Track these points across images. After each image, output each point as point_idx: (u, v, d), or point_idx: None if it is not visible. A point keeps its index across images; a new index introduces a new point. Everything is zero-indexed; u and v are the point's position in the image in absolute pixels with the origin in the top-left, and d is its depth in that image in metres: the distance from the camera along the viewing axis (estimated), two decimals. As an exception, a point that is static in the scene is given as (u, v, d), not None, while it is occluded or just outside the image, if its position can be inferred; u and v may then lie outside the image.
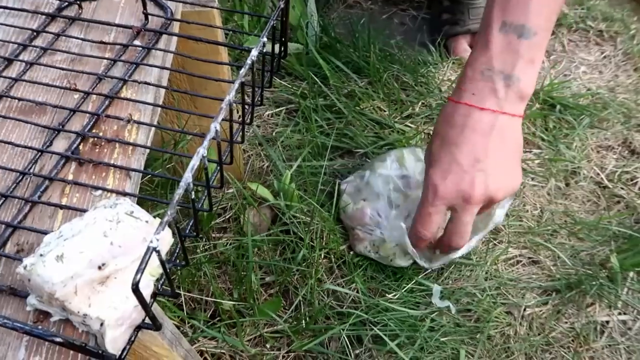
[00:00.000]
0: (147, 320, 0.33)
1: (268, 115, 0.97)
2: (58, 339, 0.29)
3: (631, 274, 0.77)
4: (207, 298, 0.72)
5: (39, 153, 0.44)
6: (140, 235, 0.36)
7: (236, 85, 0.37)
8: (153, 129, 0.47)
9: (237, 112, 0.50)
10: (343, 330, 0.67)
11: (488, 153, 0.61)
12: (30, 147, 0.44)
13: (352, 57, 1.02)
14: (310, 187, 0.82)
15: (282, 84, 0.99)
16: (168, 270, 0.36)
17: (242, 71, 0.38)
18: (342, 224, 0.80)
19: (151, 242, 0.29)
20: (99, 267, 0.33)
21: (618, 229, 0.82)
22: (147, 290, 0.35)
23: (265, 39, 0.40)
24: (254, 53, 0.39)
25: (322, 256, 0.76)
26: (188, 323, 0.70)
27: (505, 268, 0.77)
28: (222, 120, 0.35)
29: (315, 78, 0.94)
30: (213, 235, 0.79)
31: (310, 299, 0.71)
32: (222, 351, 0.69)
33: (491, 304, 0.72)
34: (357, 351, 0.68)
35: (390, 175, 0.76)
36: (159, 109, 0.50)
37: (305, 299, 0.71)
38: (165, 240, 0.37)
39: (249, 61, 0.38)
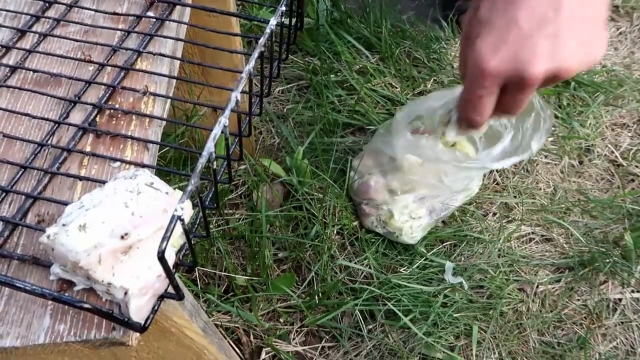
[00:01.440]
0: (170, 290, 0.33)
1: (279, 92, 0.96)
2: (86, 305, 0.29)
3: (645, 251, 0.77)
4: (220, 273, 0.72)
5: (56, 125, 0.44)
6: (161, 206, 0.36)
7: (256, 54, 0.36)
8: (169, 101, 0.47)
9: (254, 84, 0.49)
10: (356, 305, 0.67)
11: (561, 9, 0.47)
12: (47, 119, 0.44)
13: (364, 33, 1.00)
14: (323, 163, 0.81)
15: (292, 59, 0.98)
16: (189, 240, 0.36)
17: (262, 40, 0.37)
18: (353, 201, 0.80)
19: (175, 210, 0.28)
20: (122, 237, 0.33)
21: (632, 207, 0.82)
22: (169, 260, 0.35)
23: (283, 8, 0.39)
24: (273, 22, 0.38)
25: (335, 232, 0.76)
26: (202, 298, 0.71)
27: (518, 245, 0.77)
28: (242, 92, 0.35)
29: (327, 53, 0.93)
30: (226, 211, 0.79)
31: (323, 274, 0.71)
32: (236, 325, 0.69)
33: (504, 280, 0.72)
34: (370, 326, 0.69)
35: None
36: (174, 81, 0.49)
37: (318, 275, 0.71)
38: (186, 211, 0.37)
39: (268, 30, 0.37)
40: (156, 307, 0.34)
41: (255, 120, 0.91)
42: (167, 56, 0.49)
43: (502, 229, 0.78)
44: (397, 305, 0.66)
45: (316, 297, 0.69)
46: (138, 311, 0.32)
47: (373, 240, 0.76)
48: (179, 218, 0.29)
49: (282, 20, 0.40)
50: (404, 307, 0.67)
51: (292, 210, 0.76)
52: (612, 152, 0.91)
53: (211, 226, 0.76)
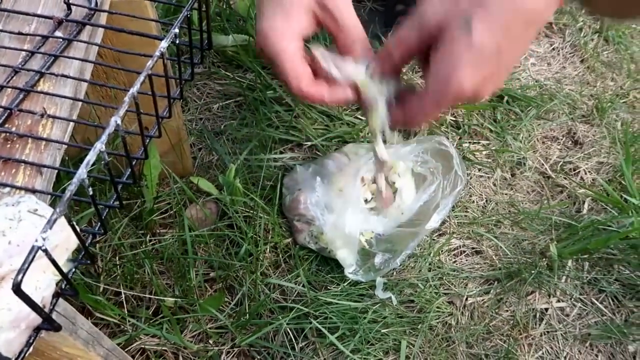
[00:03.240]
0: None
1: (217, 108, 0.96)
2: None
3: (569, 262, 0.79)
4: (149, 296, 0.70)
5: (-55, 149, 0.42)
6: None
7: (141, 77, 0.36)
8: (71, 124, 0.46)
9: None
10: (286, 323, 0.67)
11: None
12: None
13: (303, 49, 1.01)
14: (254, 181, 0.81)
15: (229, 76, 0.98)
16: (70, 269, 0.35)
17: (149, 63, 0.37)
18: (287, 217, 0.80)
19: (36, 241, 0.28)
20: (-8, 268, 0.31)
21: (559, 218, 0.84)
22: (48, 290, 0.34)
23: (177, 30, 0.39)
24: (163, 44, 0.38)
25: (268, 250, 0.76)
26: (129, 321, 0.69)
27: (448, 259, 0.78)
28: (132, 112, 0.35)
29: (261, 71, 0.93)
30: (157, 231, 0.78)
31: (254, 293, 0.70)
32: (164, 348, 0.68)
33: (433, 294, 0.73)
34: (302, 344, 0.68)
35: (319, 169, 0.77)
36: (79, 103, 0.48)
37: (249, 294, 0.71)
38: (71, 238, 0.36)
39: (157, 52, 0.37)
40: (32, 340, 0.32)
41: (193, 138, 0.90)
42: (71, 77, 0.48)
43: (432, 242, 0.79)
44: (324, 323, 0.66)
45: (246, 316, 0.69)
46: (8, 345, 0.31)
47: (307, 256, 0.76)
48: (40, 248, 0.28)
49: (177, 41, 0.40)
50: (332, 324, 0.67)
51: (224, 229, 0.76)
52: (542, 164, 0.94)
53: (142, 245, 0.74)
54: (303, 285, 0.72)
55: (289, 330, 0.68)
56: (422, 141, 0.76)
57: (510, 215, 0.85)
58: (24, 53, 0.50)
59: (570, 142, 0.99)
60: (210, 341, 0.69)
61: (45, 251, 0.28)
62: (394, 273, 0.75)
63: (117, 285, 0.70)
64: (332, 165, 0.79)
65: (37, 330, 0.33)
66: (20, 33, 0.51)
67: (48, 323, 0.30)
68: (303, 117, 0.92)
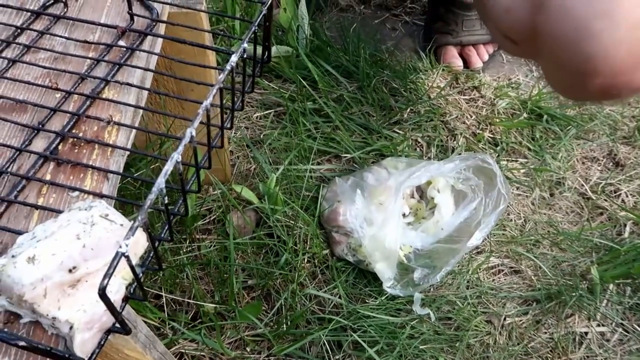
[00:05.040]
0: (118, 325, 0.33)
1: (257, 118, 0.97)
2: (21, 343, 0.29)
3: (611, 286, 0.78)
4: (188, 300, 0.71)
5: (17, 152, 0.44)
6: (114, 239, 0.36)
7: (214, 90, 0.37)
8: (134, 131, 0.47)
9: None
10: (323, 335, 0.67)
11: None
12: (8, 146, 0.44)
13: (342, 61, 1.02)
14: (296, 190, 0.82)
15: (270, 86, 0.99)
16: (140, 275, 0.36)
17: (221, 77, 0.38)
18: (324, 228, 0.80)
19: (120, 247, 0.29)
20: (70, 270, 0.33)
21: (600, 241, 0.83)
22: (118, 294, 0.35)
23: (246, 45, 0.40)
24: (234, 59, 0.39)
25: (305, 260, 0.76)
26: (169, 325, 0.70)
27: (486, 277, 0.77)
28: (202, 123, 0.36)
29: (303, 82, 0.94)
30: (197, 236, 0.79)
31: (292, 303, 0.71)
32: (202, 354, 0.68)
33: (471, 312, 0.72)
34: (337, 357, 0.68)
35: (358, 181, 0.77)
36: (141, 110, 0.49)
37: (286, 303, 0.71)
38: (140, 243, 0.37)
39: (228, 67, 0.38)
40: (102, 342, 0.33)
41: (232, 146, 0.92)
42: (135, 86, 0.50)
43: (471, 260, 0.78)
44: (363, 336, 0.66)
45: (284, 326, 0.69)
46: (82, 346, 0.32)
47: (344, 268, 0.76)
48: (123, 255, 0.29)
49: (245, 56, 0.41)
50: (370, 338, 0.67)
51: (263, 238, 0.76)
52: (582, 185, 0.93)
53: (181, 252, 0.76)
54: (340, 297, 0.72)
55: (325, 342, 0.68)
56: (465, 158, 0.76)
57: (549, 236, 0.84)
58: (89, 61, 0.52)
59: (611, 164, 0.98)
60: (248, 349, 0.69)
61: (127, 257, 0.29)
62: (432, 289, 0.75)
63: (157, 289, 0.71)
64: (372, 178, 0.80)
65: (107, 332, 0.34)
66: (85, 41, 0.53)
67: (121, 326, 0.31)
68: (342, 129, 0.92)
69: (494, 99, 1.05)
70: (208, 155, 0.41)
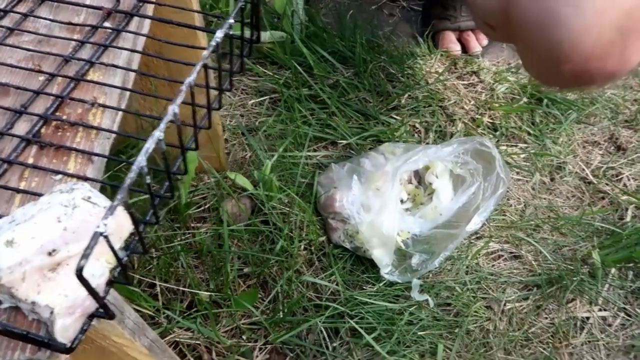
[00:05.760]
0: (101, 309, 0.32)
1: (252, 105, 0.96)
2: (-5, 327, 0.28)
3: (612, 270, 0.76)
4: (183, 289, 0.70)
5: (-1, 135, 0.42)
6: (97, 222, 0.34)
7: (198, 67, 0.35)
8: (120, 113, 0.46)
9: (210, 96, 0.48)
10: (320, 322, 0.66)
11: None
12: (-11, 130, 0.43)
13: (338, 47, 1.00)
14: (291, 177, 0.80)
15: (265, 72, 0.97)
16: (124, 259, 0.35)
17: (205, 53, 0.36)
18: (321, 215, 0.79)
19: (98, 227, 0.27)
20: (49, 253, 0.31)
21: (601, 225, 0.82)
22: (102, 278, 0.33)
23: (232, 21, 0.39)
24: (219, 34, 0.37)
25: (302, 247, 0.75)
26: (163, 313, 0.69)
27: (486, 262, 0.76)
28: (187, 104, 0.34)
29: (298, 67, 0.93)
30: (192, 225, 0.78)
31: (289, 290, 0.70)
32: (198, 342, 0.68)
33: (471, 298, 0.71)
34: (335, 344, 0.68)
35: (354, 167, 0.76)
36: (128, 93, 0.48)
37: (283, 291, 0.70)
38: (124, 226, 0.36)
39: (213, 42, 0.37)
40: (85, 327, 0.32)
41: (227, 133, 0.90)
42: (120, 67, 0.48)
43: (470, 245, 0.77)
44: (361, 323, 0.65)
45: (280, 314, 0.68)
46: (64, 331, 0.31)
47: (341, 255, 0.75)
48: (102, 234, 0.28)
49: (231, 33, 0.40)
50: (368, 324, 0.66)
51: (259, 225, 0.75)
52: (583, 169, 0.91)
53: (176, 240, 0.75)
54: (337, 284, 0.71)
55: (322, 329, 0.67)
56: (463, 142, 0.75)
57: (549, 221, 0.83)
58: (74, 43, 0.50)
59: (612, 147, 0.96)
60: (244, 337, 0.68)
61: (106, 237, 0.28)
62: (430, 275, 0.74)
63: (151, 277, 0.70)
64: (368, 164, 0.78)
65: (90, 317, 0.33)
66: (70, 23, 0.52)
67: (104, 310, 0.30)
68: (338, 115, 0.91)
69: (493, 84, 1.03)
70: (194, 135, 0.40)
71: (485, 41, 1.11)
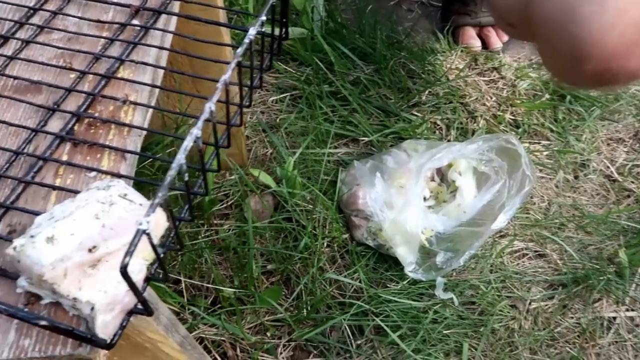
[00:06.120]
0: (140, 305, 0.32)
1: (272, 101, 0.95)
2: (43, 322, 0.28)
3: (640, 269, 0.75)
4: (207, 285, 0.71)
5: (33, 133, 0.43)
6: (134, 218, 0.35)
7: (232, 64, 0.35)
8: (150, 110, 0.46)
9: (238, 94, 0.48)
10: (344, 320, 0.66)
11: None
12: (24, 127, 0.43)
13: (358, 44, 1.00)
14: (314, 174, 0.80)
15: (286, 69, 0.97)
16: (160, 255, 0.35)
17: (239, 50, 0.36)
18: (344, 213, 0.79)
19: (140, 224, 0.27)
20: (90, 250, 0.32)
21: (627, 224, 0.80)
22: (140, 274, 0.34)
23: (264, 18, 0.39)
24: (252, 32, 0.37)
25: (325, 245, 0.75)
26: (188, 309, 0.69)
27: (510, 261, 0.76)
28: (220, 102, 0.34)
29: (320, 64, 0.92)
30: (215, 221, 0.78)
31: (312, 287, 0.70)
32: (222, 338, 0.68)
33: (496, 297, 0.71)
34: (359, 342, 0.67)
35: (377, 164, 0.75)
36: (157, 90, 0.48)
37: (306, 288, 0.70)
38: (160, 223, 0.36)
39: (246, 40, 0.37)
40: (124, 323, 0.32)
41: (248, 130, 0.91)
42: (150, 65, 0.48)
43: (494, 243, 0.76)
44: (386, 321, 0.65)
45: (304, 311, 0.68)
46: (104, 327, 0.31)
47: (364, 253, 0.75)
48: (144, 232, 0.28)
49: (263, 30, 0.40)
50: (392, 322, 0.65)
51: (282, 222, 0.75)
52: (608, 167, 0.90)
53: (199, 236, 0.75)
54: (361, 282, 0.71)
55: (346, 327, 0.67)
56: (488, 139, 0.74)
57: (574, 219, 0.82)
58: (103, 40, 0.50)
59: (637, 145, 0.94)
60: (268, 334, 0.69)
61: (148, 235, 0.28)
62: (454, 273, 0.73)
63: (176, 274, 0.71)
64: (391, 161, 0.78)
65: (129, 314, 0.33)
66: (98, 21, 0.52)
67: (144, 307, 0.30)
68: (360, 112, 0.91)
69: (515, 80, 1.02)
70: (227, 133, 0.40)
71: (505, 37, 1.09)
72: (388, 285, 0.71)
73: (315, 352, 0.68)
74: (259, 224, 0.74)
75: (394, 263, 0.73)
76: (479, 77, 1.02)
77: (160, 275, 0.34)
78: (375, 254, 0.74)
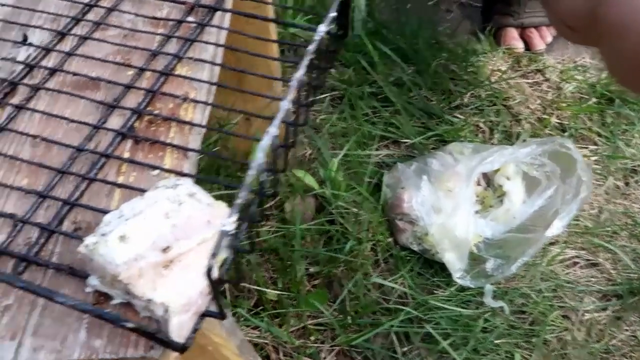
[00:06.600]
0: (212, 308, 0.31)
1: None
2: (130, 325, 0.27)
3: (699, 280, 0.72)
4: (250, 286, 0.70)
5: (95, 129, 0.42)
6: (203, 218, 0.34)
7: (305, 62, 0.34)
8: (209, 107, 0.45)
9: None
10: (392, 326, 0.64)
11: None
12: (85, 123, 0.43)
13: (399, 44, 0.98)
14: (356, 176, 0.79)
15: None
16: (231, 257, 0.34)
17: (311, 47, 0.35)
18: (387, 216, 0.77)
19: (224, 226, 0.26)
20: (163, 250, 0.31)
21: (684, 233, 0.77)
22: (214, 276, 0.32)
23: (335, 13, 0.37)
24: (323, 29, 0.36)
25: (369, 248, 0.73)
26: (231, 311, 0.68)
27: (561, 269, 0.73)
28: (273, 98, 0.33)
29: (364, 63, 0.91)
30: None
31: (357, 292, 0.68)
32: (265, 341, 0.67)
33: (547, 306, 0.68)
34: (405, 349, 0.66)
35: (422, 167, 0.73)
36: (214, 87, 0.47)
37: (351, 292, 0.68)
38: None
39: (317, 37, 0.35)
40: (197, 326, 0.31)
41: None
42: (208, 62, 0.47)
43: (545, 251, 0.74)
44: (435, 329, 0.63)
45: (349, 316, 0.67)
46: (180, 329, 0.30)
47: (408, 257, 0.73)
48: (229, 234, 0.27)
49: (331, 27, 0.39)
50: (442, 330, 0.63)
51: (325, 224, 0.74)
52: (660, 173, 0.87)
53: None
54: (407, 287, 0.69)
55: (393, 334, 0.65)
56: (542, 143, 0.72)
57: (627, 227, 0.79)
58: (159, 37, 0.50)
59: (691, 150, 0.91)
60: (311, 338, 0.67)
61: (231, 237, 0.27)
62: (502, 281, 0.71)
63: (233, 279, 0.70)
64: (436, 164, 0.76)
65: (202, 316, 0.32)
66: (153, 17, 0.51)
67: (219, 310, 0.29)
68: (403, 114, 0.89)
69: (560, 83, 0.99)
70: (295, 133, 0.39)
71: (549, 38, 1.07)
72: (435, 291, 0.69)
73: (359, 357, 0.66)
74: (303, 226, 0.73)
75: (440, 268, 0.71)
76: (522, 79, 1.00)
77: (233, 278, 0.33)
78: (420, 258, 0.72)
